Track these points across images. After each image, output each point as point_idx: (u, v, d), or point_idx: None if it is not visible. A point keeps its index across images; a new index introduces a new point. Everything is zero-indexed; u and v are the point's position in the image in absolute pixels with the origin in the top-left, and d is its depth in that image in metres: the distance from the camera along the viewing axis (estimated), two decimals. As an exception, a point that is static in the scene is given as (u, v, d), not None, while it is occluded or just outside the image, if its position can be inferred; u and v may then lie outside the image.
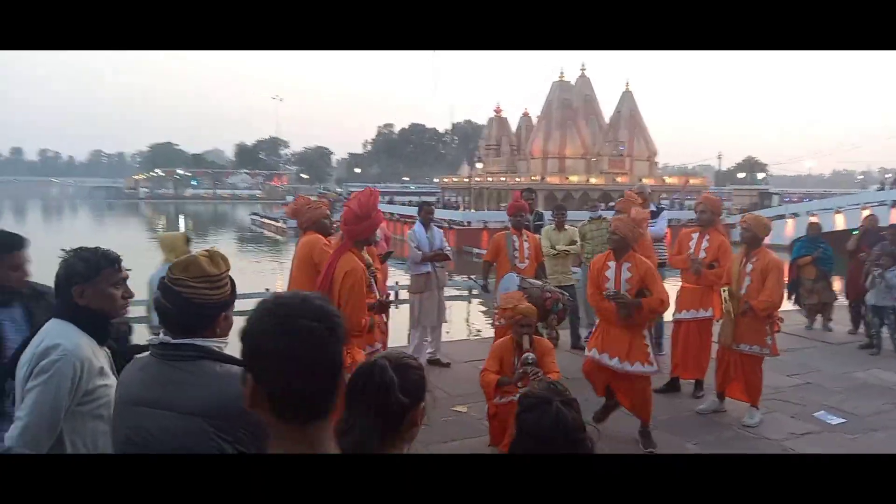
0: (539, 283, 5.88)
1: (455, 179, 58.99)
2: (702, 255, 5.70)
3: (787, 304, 9.28)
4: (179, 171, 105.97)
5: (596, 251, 6.46)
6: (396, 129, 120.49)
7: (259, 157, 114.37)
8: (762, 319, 5.01)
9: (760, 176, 69.20)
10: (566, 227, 7.30)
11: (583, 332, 7.32)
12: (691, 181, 51.14)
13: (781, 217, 33.90)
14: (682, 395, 5.82)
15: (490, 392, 4.36)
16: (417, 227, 6.42)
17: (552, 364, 4.38)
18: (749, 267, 5.06)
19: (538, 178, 44.30)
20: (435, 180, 67.77)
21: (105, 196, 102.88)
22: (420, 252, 6.24)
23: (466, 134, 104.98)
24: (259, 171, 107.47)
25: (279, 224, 44.33)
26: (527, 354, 4.50)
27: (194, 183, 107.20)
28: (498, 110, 55.85)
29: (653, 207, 7.28)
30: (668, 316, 6.17)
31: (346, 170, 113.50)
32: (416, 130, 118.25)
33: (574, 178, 45.91)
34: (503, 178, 48.99)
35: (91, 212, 73.31)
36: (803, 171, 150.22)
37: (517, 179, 45.61)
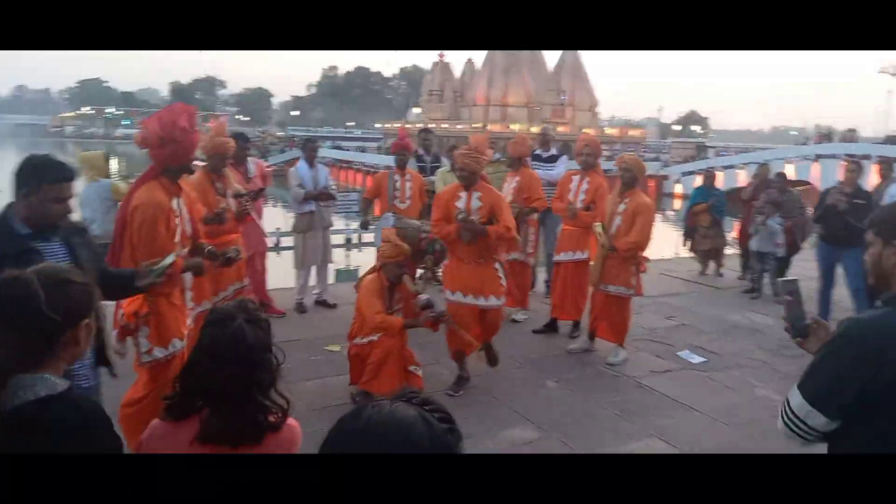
0: (416, 222, 5.83)
1: (397, 126, 58.04)
2: (581, 197, 5.72)
3: (683, 251, 9.59)
4: (110, 110, 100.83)
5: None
6: (342, 72, 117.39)
7: (195, 97, 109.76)
8: (628, 260, 5.10)
9: (696, 129, 70.55)
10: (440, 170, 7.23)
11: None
12: (630, 132, 51.81)
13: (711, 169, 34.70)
14: (559, 336, 5.93)
15: (397, 332, 4.21)
16: (301, 164, 6.22)
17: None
18: (622, 207, 5.11)
19: (480, 125, 44.00)
20: (377, 126, 66.55)
21: (30, 134, 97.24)
22: (302, 190, 6.07)
23: (414, 79, 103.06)
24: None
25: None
26: (421, 297, 4.45)
27: (126, 123, 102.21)
28: (441, 56, 54.87)
29: (554, 151, 7.26)
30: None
31: (288, 113, 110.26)
32: (362, 74, 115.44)
33: (515, 126, 45.71)
34: (445, 125, 48.47)
35: (15, 150, 69.25)
36: (743, 127, 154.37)
37: (458, 127, 45.20)
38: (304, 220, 6.16)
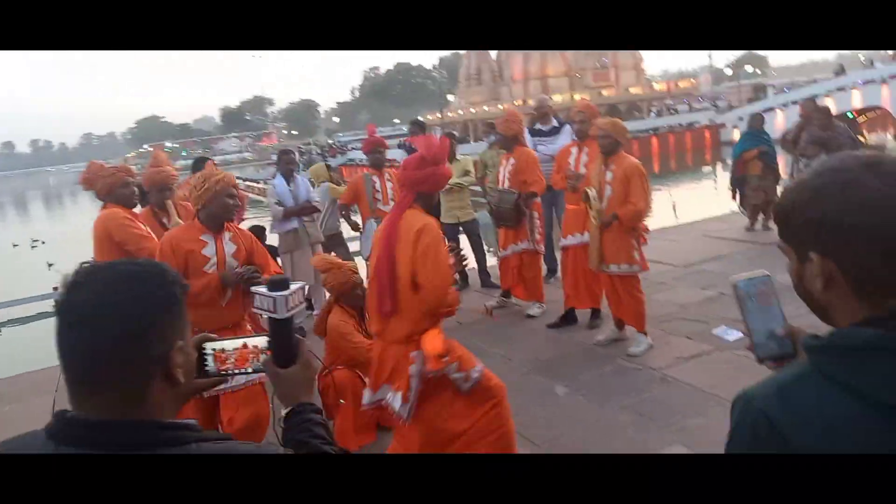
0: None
1: (438, 116, 57.58)
2: (582, 170, 5.08)
3: (732, 205, 8.69)
4: (168, 144, 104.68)
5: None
6: (382, 70, 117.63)
7: (245, 118, 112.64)
8: (626, 233, 4.45)
9: (749, 69, 66.61)
10: (458, 156, 6.66)
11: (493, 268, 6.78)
12: (680, 84, 49.45)
13: (771, 110, 32.57)
14: (578, 328, 5.31)
15: None
16: (277, 179, 5.81)
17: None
18: (609, 175, 4.48)
19: (520, 101, 42.95)
20: (419, 119, 66.13)
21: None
22: (281, 208, 5.66)
23: (454, 67, 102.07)
24: (247, 132, 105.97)
25: (261, 185, 43.80)
26: None
27: (184, 153, 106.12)
28: (474, 38, 53.83)
29: (555, 123, 6.59)
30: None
31: (338, 121, 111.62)
32: (403, 69, 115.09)
33: (558, 98, 44.47)
34: (486, 108, 47.64)
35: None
36: (807, 59, 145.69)
37: (499, 107, 44.27)
38: (288, 238, 5.76)
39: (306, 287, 1.27)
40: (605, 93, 44.87)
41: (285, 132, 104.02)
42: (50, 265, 13.67)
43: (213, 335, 1.23)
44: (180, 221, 4.34)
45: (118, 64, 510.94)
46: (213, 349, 1.21)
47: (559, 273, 5.96)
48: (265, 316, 1.22)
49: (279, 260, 5.81)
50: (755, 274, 1.18)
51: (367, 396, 3.02)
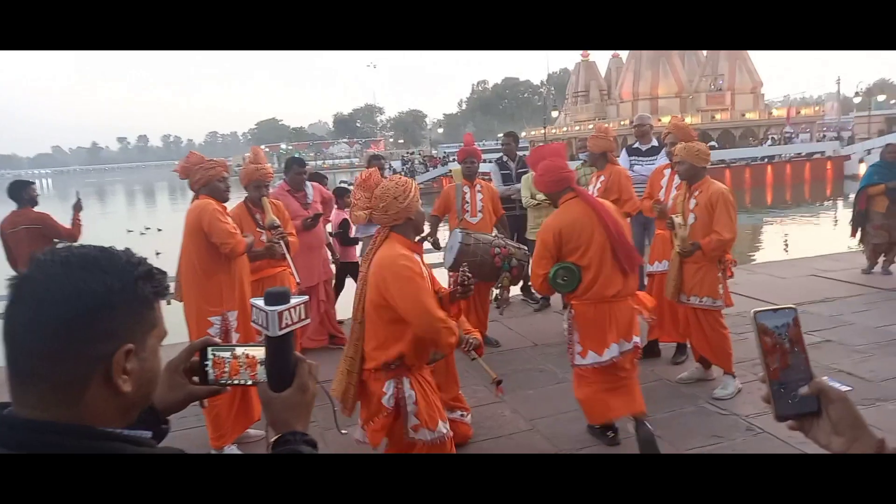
0: (489, 236, 5.19)
1: (542, 131, 57.12)
2: (673, 193, 4.76)
3: (852, 242, 7.97)
4: (283, 146, 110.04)
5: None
6: (490, 84, 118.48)
7: (356, 125, 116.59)
8: (711, 265, 4.13)
9: (881, 98, 61.58)
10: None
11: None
12: (803, 111, 46.47)
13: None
14: (661, 362, 4.99)
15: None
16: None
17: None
18: (693, 203, 4.19)
19: (627, 122, 41.83)
20: (522, 134, 66.03)
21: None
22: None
23: (562, 83, 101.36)
24: (357, 139, 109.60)
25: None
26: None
27: (297, 156, 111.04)
28: (585, 55, 53.13)
29: (654, 143, 6.28)
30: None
31: (442, 132, 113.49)
32: (510, 84, 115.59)
33: (666, 120, 42.99)
34: (591, 126, 46.75)
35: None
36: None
37: (607, 126, 43.37)
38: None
39: (301, 303, 1.15)
40: (718, 116, 42.89)
41: (392, 140, 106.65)
42: (158, 254, 14.49)
43: (216, 340, 1.16)
44: (275, 219, 4.42)
45: (241, 64, 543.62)
46: (214, 355, 1.14)
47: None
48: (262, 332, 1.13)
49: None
50: (780, 305, 0.97)
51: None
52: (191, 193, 4.11)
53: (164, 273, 0.95)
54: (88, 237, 2.76)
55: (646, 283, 5.23)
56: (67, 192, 34.04)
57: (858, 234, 7.57)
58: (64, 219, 5.91)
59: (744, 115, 44.00)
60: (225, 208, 4.34)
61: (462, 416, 3.92)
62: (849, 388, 4.26)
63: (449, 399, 3.80)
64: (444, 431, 2.95)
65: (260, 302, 1.11)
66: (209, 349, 1.14)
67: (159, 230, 21.06)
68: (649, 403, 4.27)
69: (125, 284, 0.86)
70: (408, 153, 55.79)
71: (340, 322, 5.91)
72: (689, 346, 4.82)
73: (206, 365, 1.13)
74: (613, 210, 3.58)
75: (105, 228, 23.50)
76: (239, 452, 3.91)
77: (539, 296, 6.73)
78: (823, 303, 6.13)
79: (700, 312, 4.28)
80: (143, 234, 21.22)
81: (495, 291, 5.51)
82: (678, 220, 4.23)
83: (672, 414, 4.12)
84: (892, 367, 4.53)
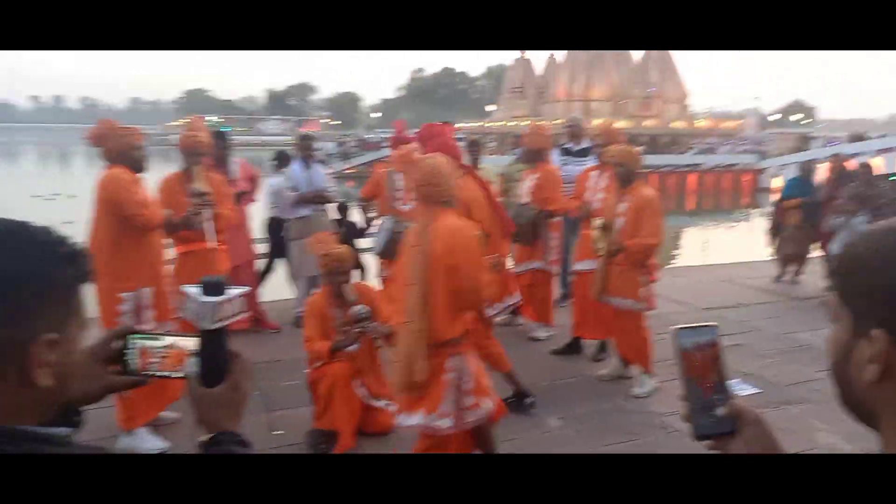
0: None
1: (476, 125, 57.44)
2: (599, 195, 4.87)
3: (764, 253, 8.38)
4: (211, 118, 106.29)
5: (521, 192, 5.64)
6: (428, 73, 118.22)
7: (289, 103, 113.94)
8: (634, 268, 4.23)
9: (795, 117, 65.36)
10: (480, 167, 6.46)
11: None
12: (724, 124, 48.68)
13: (814, 161, 31.78)
14: (582, 358, 5.09)
15: (326, 357, 3.68)
16: (295, 164, 5.68)
17: (383, 309, 3.72)
18: (622, 206, 4.27)
19: (560, 121, 42.66)
20: (457, 126, 66.08)
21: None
22: (294, 193, 5.53)
23: (500, 78, 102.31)
24: (289, 116, 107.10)
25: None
26: (358, 307, 3.80)
27: (226, 129, 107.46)
28: (522, 52, 53.69)
29: (586, 144, 6.37)
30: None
31: (380, 116, 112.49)
32: (448, 74, 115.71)
33: (598, 122, 44.11)
34: (525, 123, 47.43)
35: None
36: (856, 115, 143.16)
37: (543, 124, 43.98)
38: (297, 225, 5.62)
39: (240, 295, 1.06)
40: (647, 123, 44.33)
41: (326, 121, 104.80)
42: (66, 223, 13.55)
43: (137, 328, 1.06)
44: (200, 187, 4.21)
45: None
46: (138, 345, 1.03)
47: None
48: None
49: (291, 246, 5.69)
50: (701, 324, 0.95)
51: None
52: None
53: (90, 255, 0.84)
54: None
55: (570, 280, 5.34)
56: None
57: (774, 244, 7.97)
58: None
59: (670, 123, 45.65)
60: (138, 179, 4.10)
61: (388, 404, 3.85)
62: (757, 391, 4.48)
63: (374, 385, 3.74)
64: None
65: (194, 290, 1.02)
66: (131, 337, 1.03)
67: (72, 197, 19.49)
68: (569, 398, 4.36)
69: (43, 265, 0.76)
70: (343, 135, 54.95)
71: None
72: (610, 343, 4.94)
73: (128, 354, 1.03)
74: None
75: (7, 193, 21.58)
76: (153, 437, 3.72)
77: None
78: (735, 308, 6.42)
79: (622, 313, 4.37)
80: (49, 199, 19.65)
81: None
82: (599, 223, 4.30)
83: (589, 410, 4.20)
84: (795, 372, 4.78)
